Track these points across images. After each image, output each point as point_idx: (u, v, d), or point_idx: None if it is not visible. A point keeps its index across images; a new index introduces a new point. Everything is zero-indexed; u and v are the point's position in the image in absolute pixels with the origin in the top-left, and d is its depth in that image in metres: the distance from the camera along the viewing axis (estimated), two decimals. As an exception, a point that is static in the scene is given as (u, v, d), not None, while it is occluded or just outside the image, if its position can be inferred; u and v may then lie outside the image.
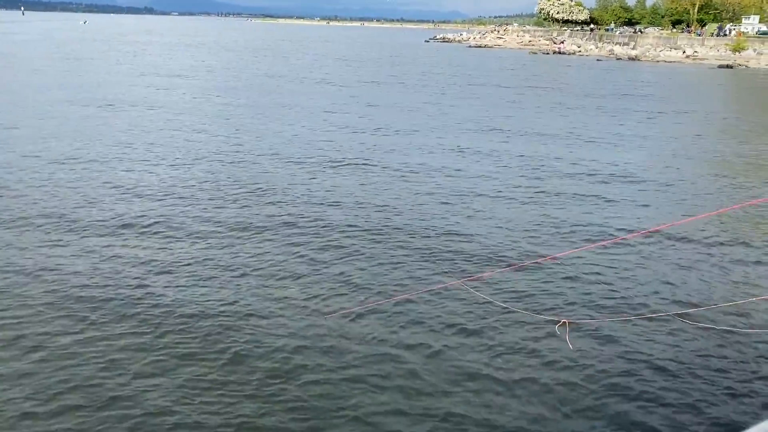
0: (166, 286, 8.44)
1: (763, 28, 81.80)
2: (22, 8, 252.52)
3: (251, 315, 7.75)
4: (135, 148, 17.13)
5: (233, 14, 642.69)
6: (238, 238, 10.46)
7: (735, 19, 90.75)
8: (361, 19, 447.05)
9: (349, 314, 7.81)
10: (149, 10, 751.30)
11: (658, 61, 69.60)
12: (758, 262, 10.10)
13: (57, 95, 26.67)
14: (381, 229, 11.04)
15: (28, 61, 44.14)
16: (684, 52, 73.18)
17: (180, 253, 9.72)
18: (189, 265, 9.24)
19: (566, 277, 9.22)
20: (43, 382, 6.31)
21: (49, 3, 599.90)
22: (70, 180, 13.61)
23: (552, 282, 9.06)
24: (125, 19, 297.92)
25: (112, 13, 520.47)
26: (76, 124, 20.31)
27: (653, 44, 78.93)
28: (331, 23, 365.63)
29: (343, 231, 10.89)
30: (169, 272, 8.95)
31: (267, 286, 8.60)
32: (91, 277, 8.71)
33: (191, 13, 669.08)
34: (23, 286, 8.38)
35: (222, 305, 7.97)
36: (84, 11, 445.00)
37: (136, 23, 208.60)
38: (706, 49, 73.16)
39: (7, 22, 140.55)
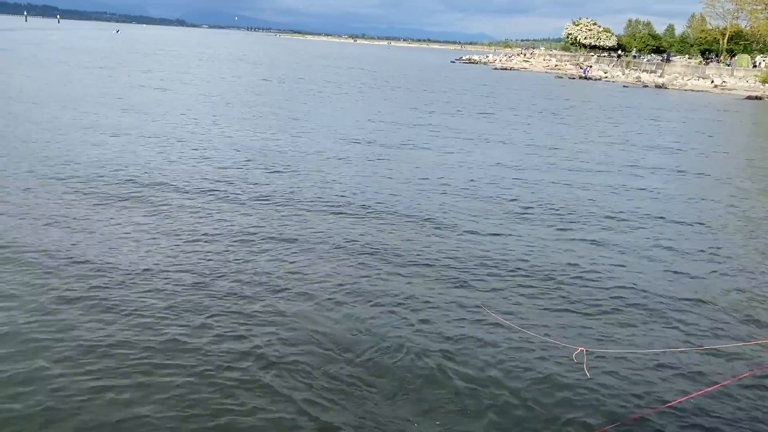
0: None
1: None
2: (58, 16, 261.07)
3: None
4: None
5: (262, 29, 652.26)
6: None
7: (765, 50, 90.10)
8: (387, 38, 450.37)
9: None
10: (180, 22, 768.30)
11: (685, 90, 69.24)
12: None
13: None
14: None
15: (64, 64, 45.31)
16: (712, 81, 72.75)
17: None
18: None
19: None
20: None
21: (84, 12, 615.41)
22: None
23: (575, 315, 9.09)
24: (157, 30, 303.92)
25: (144, 23, 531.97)
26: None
27: (681, 72, 78.56)
28: (358, 41, 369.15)
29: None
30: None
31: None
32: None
33: (220, 27, 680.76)
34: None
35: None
36: (117, 21, 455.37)
37: (167, 34, 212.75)
38: (735, 79, 72.66)
39: (47, 29, 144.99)
